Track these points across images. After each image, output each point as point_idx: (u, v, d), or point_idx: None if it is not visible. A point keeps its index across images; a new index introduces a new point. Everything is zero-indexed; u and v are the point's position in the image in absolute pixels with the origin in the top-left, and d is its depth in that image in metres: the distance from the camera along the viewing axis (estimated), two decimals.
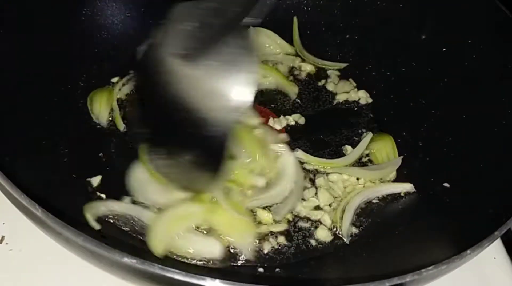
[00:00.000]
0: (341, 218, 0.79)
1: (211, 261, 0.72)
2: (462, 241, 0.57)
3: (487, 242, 0.55)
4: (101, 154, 0.85)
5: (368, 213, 0.82)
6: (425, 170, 0.86)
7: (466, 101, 0.87)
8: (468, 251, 0.53)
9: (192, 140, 0.69)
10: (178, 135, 0.70)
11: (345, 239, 0.77)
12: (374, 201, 0.84)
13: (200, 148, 0.69)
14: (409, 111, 0.95)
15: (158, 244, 0.70)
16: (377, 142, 0.93)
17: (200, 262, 0.72)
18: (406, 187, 0.84)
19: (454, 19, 0.92)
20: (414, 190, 0.83)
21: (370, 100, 1.01)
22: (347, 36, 1.07)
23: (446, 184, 0.79)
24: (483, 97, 0.84)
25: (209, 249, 0.73)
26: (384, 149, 0.92)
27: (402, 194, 0.84)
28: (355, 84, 1.03)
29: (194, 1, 0.67)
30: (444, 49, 0.92)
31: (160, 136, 0.73)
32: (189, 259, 0.72)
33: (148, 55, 0.71)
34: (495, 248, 0.83)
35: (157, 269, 0.47)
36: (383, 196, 0.84)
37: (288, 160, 0.84)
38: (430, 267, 0.51)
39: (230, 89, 0.64)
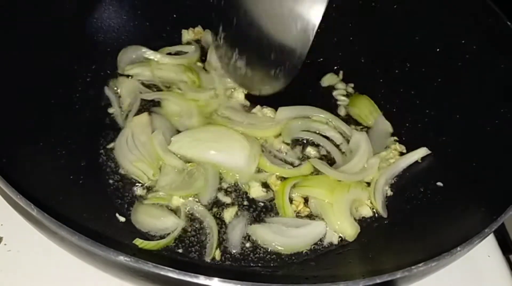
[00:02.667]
0: (374, 199, 0.83)
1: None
2: (454, 239, 0.57)
3: (477, 239, 0.55)
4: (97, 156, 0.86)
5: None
6: (419, 169, 0.87)
7: (460, 101, 0.87)
8: (458, 248, 0.54)
9: (271, 43, 0.82)
10: (258, 41, 0.82)
11: (384, 215, 0.82)
12: None
13: (278, 50, 0.81)
14: (403, 111, 0.96)
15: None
16: (356, 106, 1.00)
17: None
18: (421, 152, 0.87)
19: (447, 20, 0.93)
20: (429, 152, 0.87)
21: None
22: (341, 37, 1.08)
23: (439, 183, 0.80)
24: (476, 97, 0.85)
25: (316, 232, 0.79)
26: (366, 108, 0.99)
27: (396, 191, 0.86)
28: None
29: None
30: (438, 50, 0.93)
31: (241, 41, 0.87)
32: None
33: None
34: (489, 247, 0.84)
35: (151, 267, 0.48)
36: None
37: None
38: (421, 264, 0.51)
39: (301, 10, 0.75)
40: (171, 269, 0.47)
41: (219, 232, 0.78)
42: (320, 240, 0.79)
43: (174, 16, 1.08)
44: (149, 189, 0.83)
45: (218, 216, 0.81)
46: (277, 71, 0.85)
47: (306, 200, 0.84)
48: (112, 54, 1.00)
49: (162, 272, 0.48)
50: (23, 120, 0.76)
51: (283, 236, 0.77)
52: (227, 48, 0.91)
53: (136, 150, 0.85)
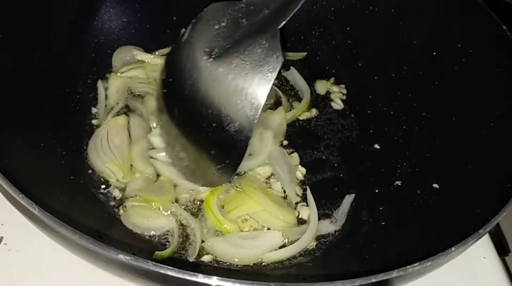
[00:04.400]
0: None
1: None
2: (449, 239, 0.58)
3: (471, 239, 0.56)
4: None
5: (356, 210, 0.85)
6: (416, 171, 0.88)
7: (456, 104, 0.88)
8: (453, 249, 0.55)
9: (212, 135, 0.72)
10: (199, 130, 0.73)
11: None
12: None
13: (219, 144, 0.72)
14: (401, 114, 0.97)
15: None
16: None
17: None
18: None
19: (444, 24, 0.94)
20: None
21: None
22: (339, 41, 1.09)
23: (435, 185, 0.81)
24: (472, 100, 0.86)
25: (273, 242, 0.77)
26: None
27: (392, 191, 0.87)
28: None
29: (227, 2, 0.71)
30: (434, 53, 0.94)
31: (183, 129, 0.77)
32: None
33: (178, 51, 0.75)
34: (484, 248, 0.85)
35: (151, 266, 0.48)
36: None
37: None
38: (416, 264, 0.52)
39: (249, 88, 0.67)
40: (170, 267, 0.48)
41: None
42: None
43: (174, 18, 1.09)
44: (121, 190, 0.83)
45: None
46: (218, 166, 0.75)
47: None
48: (112, 56, 1.01)
49: (161, 271, 0.48)
50: (24, 121, 0.77)
51: (240, 248, 0.76)
52: (170, 137, 0.81)
53: (109, 151, 0.85)
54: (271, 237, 0.78)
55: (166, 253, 0.74)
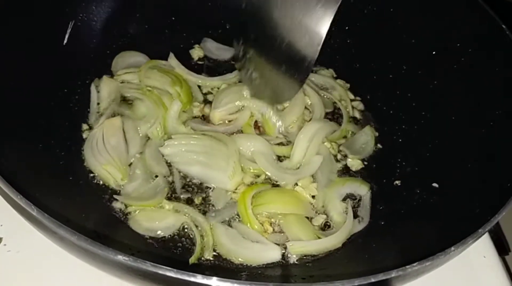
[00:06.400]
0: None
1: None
2: (448, 239, 0.58)
3: (471, 239, 0.56)
4: None
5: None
6: (416, 171, 0.88)
7: (456, 104, 0.88)
8: (452, 248, 0.55)
9: (284, 52, 0.85)
10: (272, 49, 0.87)
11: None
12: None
13: (289, 60, 0.85)
14: (400, 114, 0.97)
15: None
16: None
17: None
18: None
19: (444, 24, 0.94)
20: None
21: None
22: (337, 40, 1.08)
23: (435, 184, 0.81)
24: (472, 99, 0.86)
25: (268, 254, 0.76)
26: None
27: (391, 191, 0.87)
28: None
29: None
30: (433, 53, 0.94)
31: (258, 51, 0.93)
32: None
33: None
34: (484, 247, 0.85)
35: (149, 267, 0.48)
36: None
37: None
38: (415, 264, 0.52)
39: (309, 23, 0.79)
40: (169, 268, 0.48)
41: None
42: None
43: (173, 19, 1.09)
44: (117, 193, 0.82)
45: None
46: (287, 81, 0.88)
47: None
48: (111, 57, 1.01)
49: (160, 271, 0.48)
50: (23, 122, 0.77)
51: (235, 244, 0.76)
52: (244, 60, 0.97)
53: (106, 153, 0.84)
54: (270, 250, 0.76)
55: (197, 253, 0.75)
